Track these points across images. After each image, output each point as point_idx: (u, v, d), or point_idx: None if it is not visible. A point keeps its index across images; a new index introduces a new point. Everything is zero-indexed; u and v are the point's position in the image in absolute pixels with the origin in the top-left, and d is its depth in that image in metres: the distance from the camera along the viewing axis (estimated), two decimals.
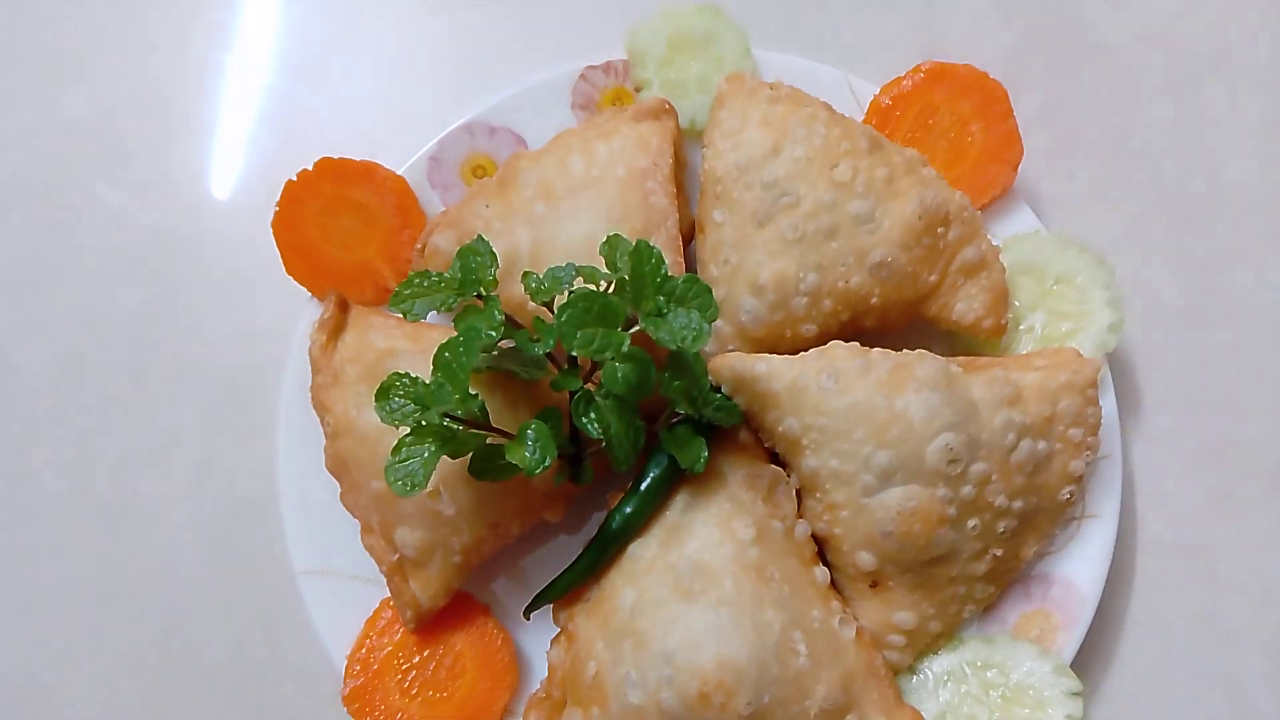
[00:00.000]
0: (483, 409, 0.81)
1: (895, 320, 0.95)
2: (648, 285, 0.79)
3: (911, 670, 0.91)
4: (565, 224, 0.94)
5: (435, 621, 0.93)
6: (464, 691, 0.92)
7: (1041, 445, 0.89)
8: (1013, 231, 1.00)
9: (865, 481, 0.86)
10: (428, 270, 0.84)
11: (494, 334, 0.80)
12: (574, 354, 0.78)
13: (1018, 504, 0.88)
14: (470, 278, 0.82)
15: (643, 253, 0.79)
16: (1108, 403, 0.95)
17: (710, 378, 0.91)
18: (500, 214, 0.97)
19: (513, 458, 0.80)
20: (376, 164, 1.02)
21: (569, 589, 0.91)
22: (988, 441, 0.87)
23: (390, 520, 0.89)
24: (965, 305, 0.94)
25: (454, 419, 0.80)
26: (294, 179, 0.99)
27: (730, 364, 0.90)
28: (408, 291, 0.83)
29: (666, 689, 0.81)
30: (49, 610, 1.04)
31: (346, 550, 0.95)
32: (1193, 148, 1.11)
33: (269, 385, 1.05)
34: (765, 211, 0.92)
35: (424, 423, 0.78)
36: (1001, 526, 0.88)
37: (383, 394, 0.79)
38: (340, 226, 1.01)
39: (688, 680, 0.80)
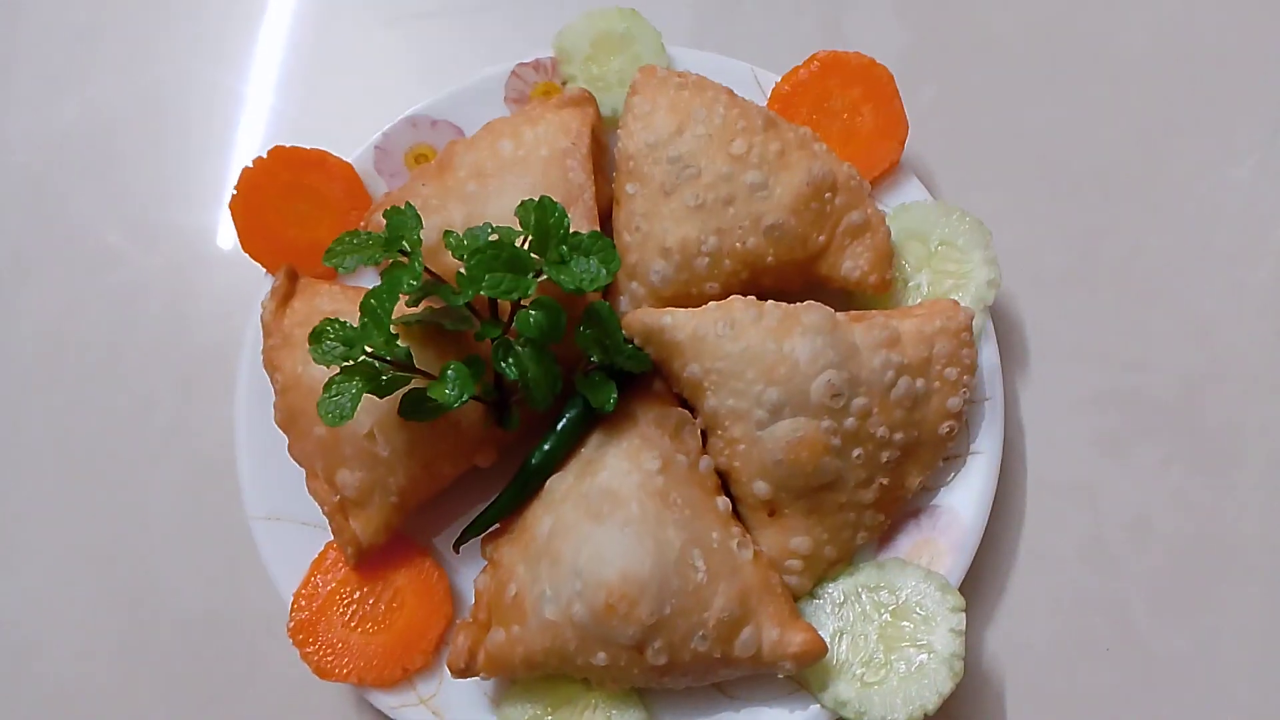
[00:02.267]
0: (407, 353, 0.91)
1: (791, 279, 1.05)
2: (551, 236, 0.89)
3: (811, 595, 1.00)
4: (494, 199, 1.05)
5: (376, 561, 1.02)
6: (403, 623, 1.01)
7: (919, 383, 0.98)
8: (901, 201, 1.11)
9: (758, 416, 0.95)
10: (358, 229, 0.94)
11: (414, 282, 0.90)
12: (484, 294, 0.87)
13: (898, 435, 0.97)
14: (395, 235, 0.92)
15: (546, 207, 0.89)
16: (989, 351, 1.05)
17: (624, 332, 1.00)
18: (436, 193, 1.08)
19: (434, 394, 0.90)
20: (327, 152, 1.13)
21: (494, 522, 1.00)
22: (868, 379, 0.96)
23: (332, 464, 0.98)
24: (851, 263, 1.04)
25: (380, 360, 0.90)
26: (250, 165, 1.10)
27: (640, 318, 1.00)
28: (339, 248, 0.93)
29: (577, 602, 0.90)
30: (29, 566, 1.13)
31: (295, 499, 1.04)
32: (1075, 134, 1.22)
33: (232, 357, 1.15)
34: (671, 183, 1.03)
35: (351, 361, 0.88)
36: (885, 456, 0.97)
37: (316, 337, 0.89)
38: (294, 209, 1.11)
39: (595, 592, 0.89)
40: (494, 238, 0.93)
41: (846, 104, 1.12)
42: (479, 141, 1.10)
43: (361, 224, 1.11)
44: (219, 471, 1.13)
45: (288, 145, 1.11)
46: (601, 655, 0.90)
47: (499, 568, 0.96)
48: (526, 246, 0.92)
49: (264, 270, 1.12)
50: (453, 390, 0.89)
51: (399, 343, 0.91)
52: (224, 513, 1.12)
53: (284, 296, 1.05)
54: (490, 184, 1.06)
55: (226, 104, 1.30)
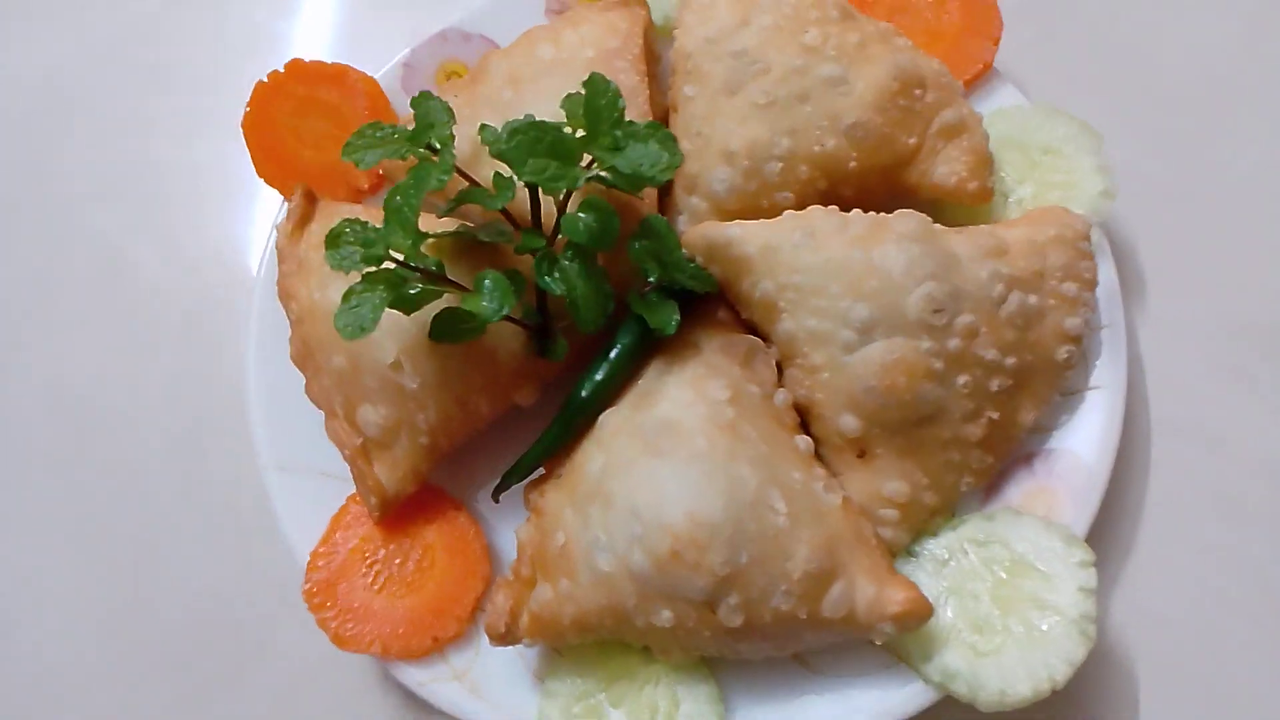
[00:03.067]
0: (438, 262, 0.78)
1: (875, 188, 0.91)
2: (603, 119, 0.77)
3: (909, 553, 0.85)
4: (531, 106, 0.92)
5: (404, 515, 0.89)
6: (434, 585, 0.87)
7: (1032, 299, 0.84)
8: (996, 107, 0.97)
9: (845, 338, 0.81)
10: (379, 121, 0.82)
11: (445, 177, 0.77)
12: (525, 181, 0.75)
13: (1010, 360, 0.83)
14: (424, 126, 0.80)
15: (598, 85, 0.77)
16: (1106, 271, 0.90)
17: (685, 250, 0.87)
18: (469, 101, 0.96)
19: (469, 306, 0.77)
20: (348, 66, 1.01)
21: (537, 463, 0.86)
22: (973, 293, 0.82)
23: (353, 399, 0.86)
24: (946, 168, 0.90)
25: (406, 267, 0.77)
26: (264, 80, 0.98)
27: (703, 231, 0.87)
28: (359, 141, 0.81)
29: (636, 549, 0.76)
30: (13, 529, 1.01)
31: (313, 448, 0.91)
32: (1185, 33, 1.08)
33: (244, 297, 1.03)
34: (735, 80, 0.90)
35: (373, 266, 0.75)
36: (994, 384, 0.83)
37: (333, 241, 0.77)
38: (311, 128, 1.00)
39: (658, 537, 0.75)
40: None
41: (931, 1, 0.99)
42: (515, 49, 0.98)
43: None
44: (228, 423, 1.01)
45: (306, 60, 1.00)
46: (666, 614, 0.76)
47: (544, 515, 0.83)
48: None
49: (281, 199, 1.00)
50: (490, 302, 0.77)
51: (431, 258, 0.79)
52: (233, 467, 1.00)
53: (301, 218, 0.93)
54: (527, 90, 0.93)
55: (238, 21, 1.19)
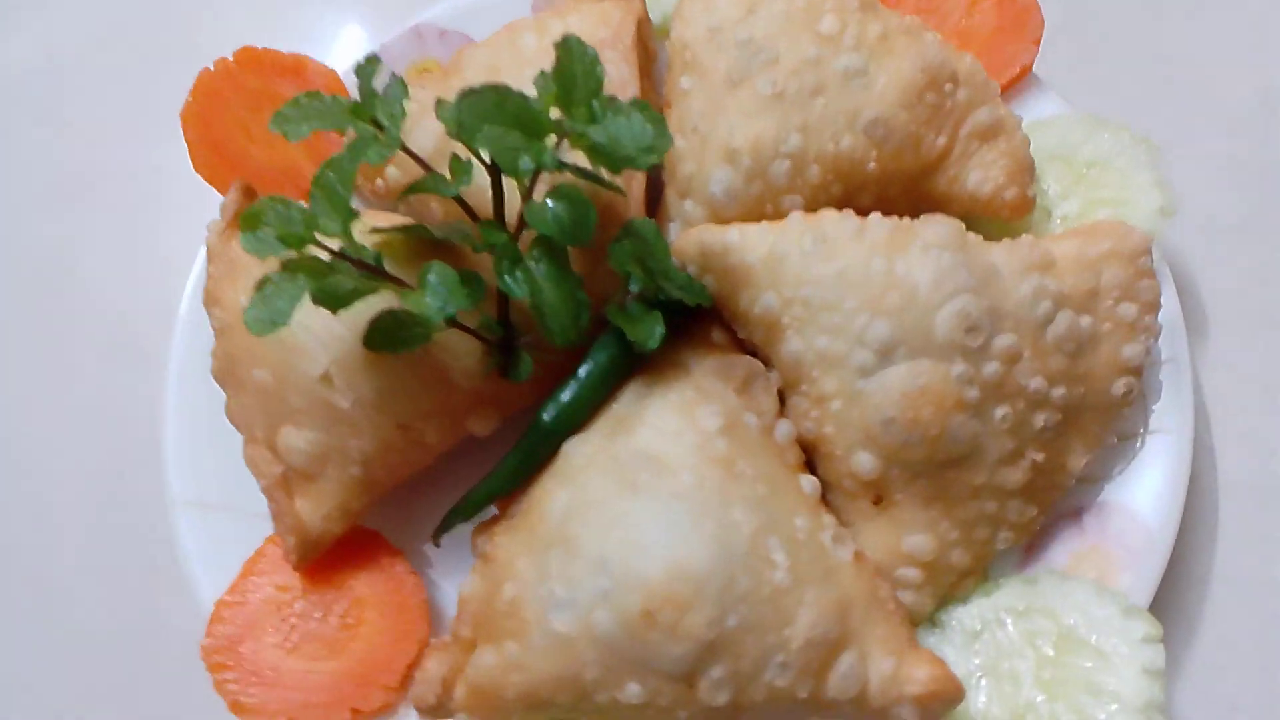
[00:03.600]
0: (376, 256, 0.66)
1: (898, 197, 0.79)
2: (579, 87, 0.65)
3: (933, 622, 0.71)
4: None
5: (330, 561, 0.75)
6: (360, 647, 0.73)
7: (1084, 320, 0.71)
8: (1036, 116, 0.85)
9: (860, 361, 0.68)
10: (320, 93, 0.70)
11: (386, 152, 0.65)
12: (480, 148, 0.62)
13: (1058, 392, 0.69)
14: (368, 94, 0.68)
15: (573, 49, 0.65)
16: (1169, 297, 0.77)
17: (675, 260, 0.75)
18: (439, 93, 0.84)
19: (409, 304, 0.64)
20: (307, 57, 0.90)
21: (488, 501, 0.72)
22: (1014, 311, 0.69)
23: (275, 420, 0.73)
24: (981, 174, 0.78)
25: (337, 256, 0.64)
26: (211, 68, 0.88)
27: (696, 236, 0.74)
28: (293, 111, 0.69)
29: (602, 607, 0.62)
30: None
31: (237, 484, 0.78)
32: (1234, 49, 0.97)
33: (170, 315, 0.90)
34: (740, 72, 0.78)
35: (295, 253, 0.63)
36: (1039, 421, 0.69)
37: (250, 221, 0.64)
38: (262, 124, 0.88)
39: (629, 593, 0.61)
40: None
41: None
42: (495, 39, 0.87)
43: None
44: (144, 454, 0.87)
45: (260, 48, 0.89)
46: (634, 688, 0.62)
47: (493, 563, 0.69)
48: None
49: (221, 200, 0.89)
50: (435, 299, 0.64)
51: (370, 248, 0.66)
52: (148, 503, 0.86)
53: (234, 215, 0.81)
54: (506, 82, 0.82)
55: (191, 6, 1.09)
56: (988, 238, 0.78)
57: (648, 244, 0.72)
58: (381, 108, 0.69)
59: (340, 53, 0.93)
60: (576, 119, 0.64)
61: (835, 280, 0.70)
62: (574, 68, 0.65)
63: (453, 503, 0.75)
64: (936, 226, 0.71)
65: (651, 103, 0.84)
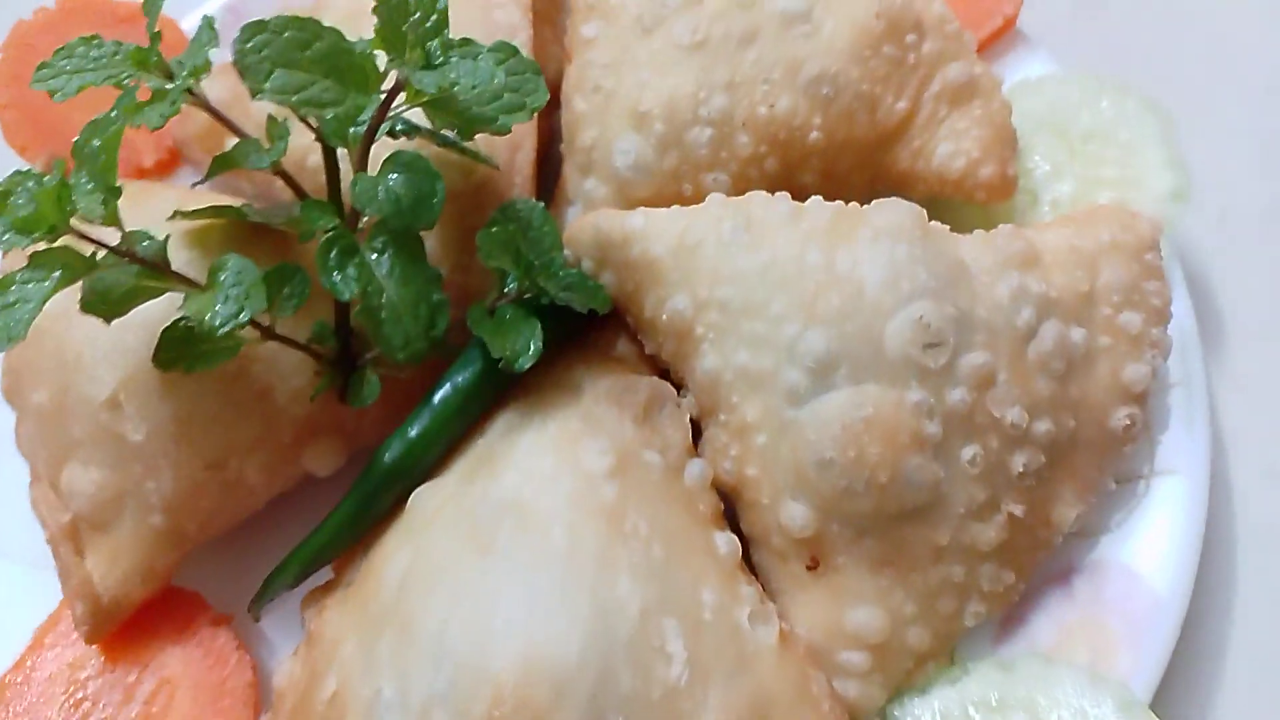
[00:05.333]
0: (160, 247, 0.51)
1: (848, 174, 0.64)
2: (414, 19, 0.49)
3: (883, 717, 0.55)
4: None
5: (134, 631, 0.60)
6: None
7: (1076, 333, 0.56)
8: (1020, 77, 0.70)
9: (790, 382, 0.53)
10: (99, 37, 0.55)
11: (170, 108, 0.50)
12: (273, 99, 0.47)
13: (1043, 425, 0.54)
14: (155, 35, 0.53)
15: None
16: (1180, 304, 0.62)
17: (567, 249, 0.59)
18: None
19: (190, 308, 0.49)
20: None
21: (318, 562, 0.57)
22: (988, 321, 0.54)
23: (58, 453, 0.58)
24: (951, 146, 0.63)
25: (104, 248, 0.49)
26: (28, 18, 0.73)
27: (592, 222, 0.59)
28: (62, 62, 0.53)
29: (438, 711, 0.47)
30: None
31: (32, 527, 0.62)
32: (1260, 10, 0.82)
33: None
34: (653, 13, 0.63)
35: (45, 241, 0.47)
36: (1018, 462, 0.54)
37: None
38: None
39: (471, 695, 0.46)
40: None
41: None
42: None
43: None
44: None
45: None
46: None
47: (317, 645, 0.54)
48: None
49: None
50: (226, 302, 0.48)
51: (154, 237, 0.51)
52: None
53: None
54: (366, 28, 0.66)
55: None
56: (958, 227, 0.63)
57: (528, 228, 0.57)
58: (183, 64, 0.53)
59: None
60: (407, 63, 0.49)
61: (759, 276, 0.55)
62: None
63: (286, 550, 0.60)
64: (889, 211, 0.56)
65: (551, 59, 0.69)
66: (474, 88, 0.47)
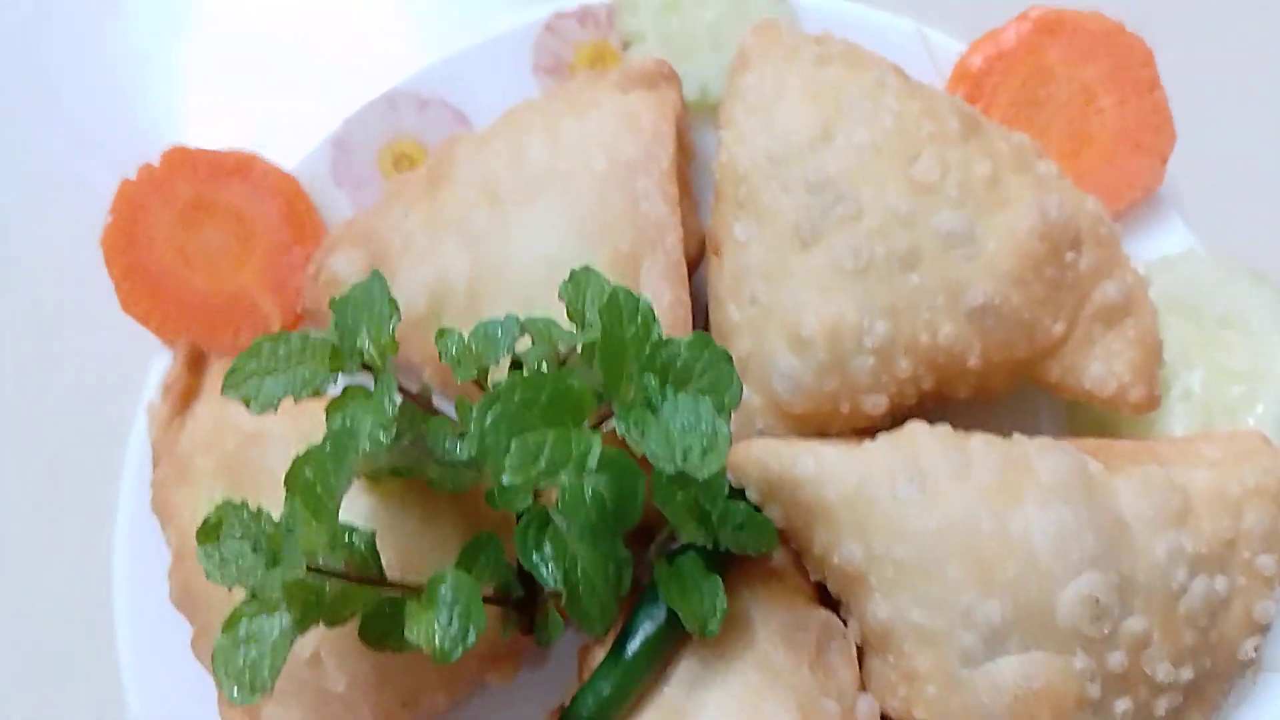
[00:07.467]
0: (372, 550, 0.52)
1: (998, 387, 0.65)
2: (629, 360, 0.49)
3: None
4: (518, 242, 0.66)
5: None
6: None
7: (1220, 583, 0.59)
8: (1160, 252, 0.70)
9: (965, 645, 0.57)
10: (286, 332, 0.54)
11: (383, 436, 0.50)
12: (509, 478, 0.48)
13: (1185, 674, 0.59)
14: (350, 342, 0.52)
15: (621, 306, 0.49)
16: None
17: (730, 477, 0.61)
18: (426, 224, 0.68)
19: (413, 629, 0.51)
20: (255, 155, 0.72)
21: None
22: (1146, 584, 0.58)
23: None
24: (1103, 367, 0.64)
25: (324, 574, 0.50)
26: (133, 178, 0.70)
27: (760, 459, 0.60)
28: (251, 366, 0.52)
29: None
30: None
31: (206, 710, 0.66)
32: None
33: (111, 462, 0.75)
34: (812, 226, 0.62)
35: (268, 589, 0.49)
36: (1163, 706, 0.59)
37: (208, 535, 0.50)
38: (202, 243, 0.72)
39: None
40: (524, 342, 0.54)
41: (1076, 92, 0.71)
42: (493, 140, 0.70)
43: (309, 269, 0.71)
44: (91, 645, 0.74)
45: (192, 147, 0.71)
46: None
47: None
48: (578, 355, 0.52)
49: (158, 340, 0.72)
50: (449, 628, 0.51)
51: (360, 529, 0.52)
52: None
53: (182, 398, 0.66)
54: (511, 215, 0.66)
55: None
56: (1087, 417, 0.66)
57: (705, 486, 0.58)
58: (374, 345, 0.52)
59: (294, 136, 0.74)
60: (624, 402, 0.49)
61: (937, 540, 0.57)
62: (622, 334, 0.49)
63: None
64: (1054, 461, 0.58)
65: (690, 233, 0.68)
66: (695, 440, 0.48)
